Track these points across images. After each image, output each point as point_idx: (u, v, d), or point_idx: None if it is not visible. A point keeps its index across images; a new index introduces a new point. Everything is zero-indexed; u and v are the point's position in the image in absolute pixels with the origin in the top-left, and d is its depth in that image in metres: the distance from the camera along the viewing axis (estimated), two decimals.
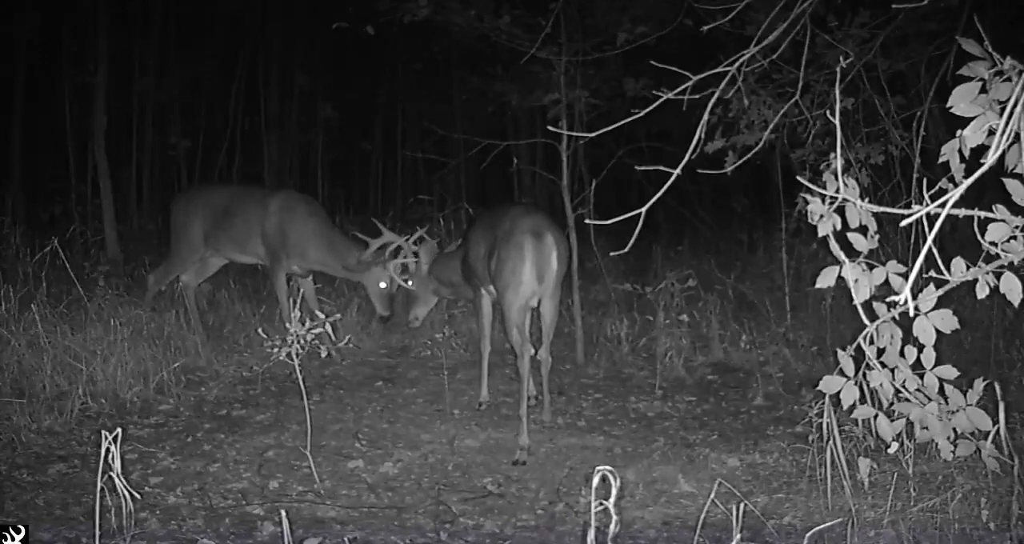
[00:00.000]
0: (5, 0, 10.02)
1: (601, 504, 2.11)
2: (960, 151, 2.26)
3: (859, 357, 2.64)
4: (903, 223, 2.05)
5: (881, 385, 2.62)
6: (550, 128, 3.90)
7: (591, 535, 2.14)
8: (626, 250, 3.00)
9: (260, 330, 5.27)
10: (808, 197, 2.48)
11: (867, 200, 2.47)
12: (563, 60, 6.13)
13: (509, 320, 4.47)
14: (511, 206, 5.02)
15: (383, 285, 5.80)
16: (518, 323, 4.49)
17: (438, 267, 5.49)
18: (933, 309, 2.41)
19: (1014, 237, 2.21)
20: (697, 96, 3.03)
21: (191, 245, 6.21)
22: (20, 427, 4.33)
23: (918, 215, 2.02)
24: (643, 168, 2.97)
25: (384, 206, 11.33)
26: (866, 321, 2.43)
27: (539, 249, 4.36)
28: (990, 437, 2.87)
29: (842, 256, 2.45)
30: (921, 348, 2.53)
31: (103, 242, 8.79)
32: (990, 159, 1.96)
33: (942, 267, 2.26)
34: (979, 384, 2.74)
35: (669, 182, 2.69)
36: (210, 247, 6.24)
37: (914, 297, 2.16)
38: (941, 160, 2.33)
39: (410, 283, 5.67)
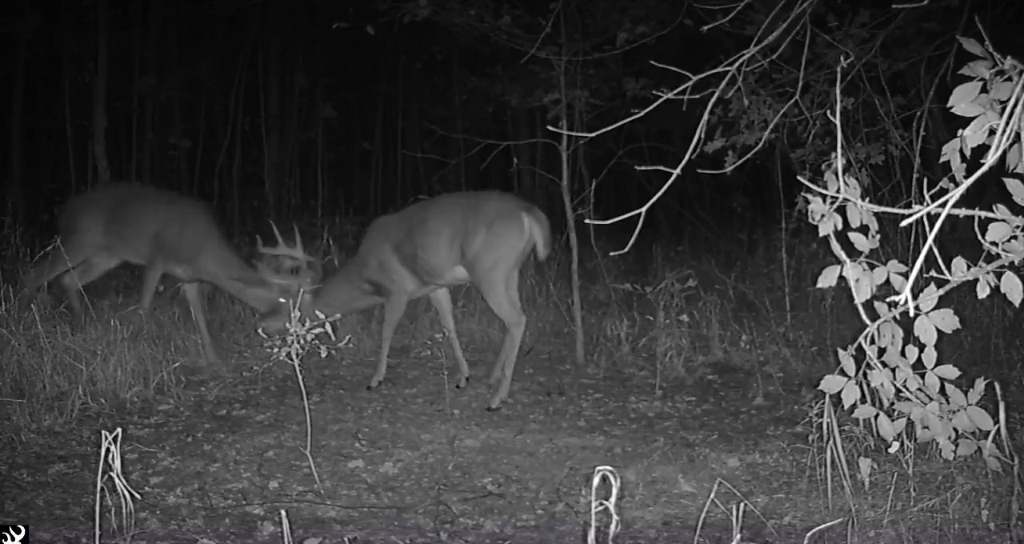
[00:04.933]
0: (5, 0, 10.02)
1: (601, 504, 2.11)
2: (961, 151, 2.26)
3: (860, 357, 2.64)
4: (904, 223, 2.05)
5: (882, 385, 2.62)
6: (550, 128, 3.90)
7: (591, 535, 2.14)
8: (626, 250, 3.00)
9: (260, 330, 5.28)
10: (809, 197, 2.49)
11: (867, 200, 2.47)
12: (563, 60, 6.13)
13: (499, 294, 5.00)
14: (458, 196, 5.83)
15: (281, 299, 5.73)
16: (510, 296, 5.13)
17: (329, 291, 5.57)
18: (934, 309, 2.41)
19: (1015, 237, 2.21)
20: (697, 96, 3.03)
21: (80, 246, 5.96)
22: (20, 427, 4.33)
23: (919, 215, 2.02)
24: (643, 168, 2.97)
25: (384, 206, 11.32)
26: (867, 321, 2.43)
27: (534, 222, 5.03)
28: (991, 437, 2.87)
29: (843, 256, 2.45)
30: (922, 348, 2.53)
31: None
32: (990, 159, 1.96)
33: (943, 267, 2.26)
34: (980, 384, 2.74)
35: (669, 182, 2.69)
36: (104, 249, 6.06)
37: (915, 297, 2.15)
38: (941, 160, 2.33)
39: (284, 300, 5.60)
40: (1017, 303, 2.26)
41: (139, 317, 5.66)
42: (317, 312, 5.44)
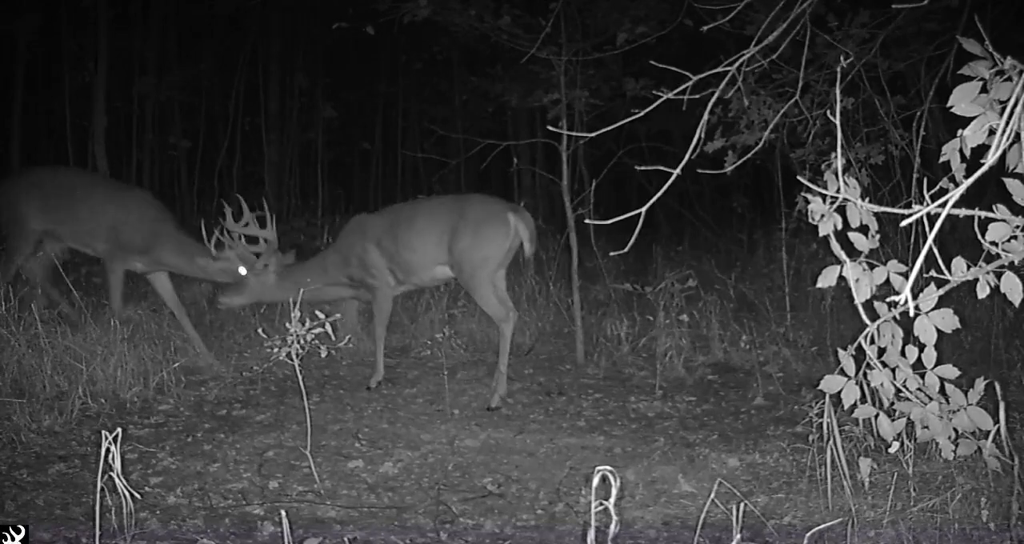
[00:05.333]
0: (5, 0, 10.02)
1: (601, 504, 2.11)
2: (960, 151, 2.26)
3: (860, 357, 2.64)
4: (903, 223, 2.05)
5: (882, 384, 2.62)
6: (550, 128, 3.90)
7: (591, 535, 2.14)
8: (626, 250, 3.00)
9: (260, 330, 5.28)
10: (809, 197, 2.49)
11: (867, 200, 2.47)
12: (563, 60, 6.13)
13: (486, 292, 5.16)
14: (443, 198, 6.02)
15: (243, 271, 5.67)
16: (498, 293, 5.27)
17: (299, 277, 5.57)
18: (934, 309, 2.41)
19: (1014, 237, 2.21)
20: (697, 96, 3.03)
21: (23, 230, 5.83)
22: (20, 427, 4.33)
23: (919, 215, 2.02)
24: (643, 168, 2.97)
25: (384, 206, 11.31)
26: (867, 321, 2.43)
27: (520, 222, 5.16)
28: (991, 437, 2.87)
29: (843, 256, 2.45)
30: (922, 348, 2.53)
31: None
32: (990, 159, 1.96)
33: (943, 267, 2.26)
34: (980, 383, 2.74)
35: (669, 182, 2.69)
36: (47, 235, 5.89)
37: (915, 297, 2.16)
38: (941, 160, 2.33)
39: (250, 273, 5.61)
40: (1017, 303, 2.26)
41: (139, 317, 5.67)
42: (279, 292, 5.64)
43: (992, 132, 2.07)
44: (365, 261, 5.52)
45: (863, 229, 2.48)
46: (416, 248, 5.34)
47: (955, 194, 1.99)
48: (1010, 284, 2.25)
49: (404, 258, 5.39)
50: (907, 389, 2.63)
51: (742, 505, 2.50)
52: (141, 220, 5.85)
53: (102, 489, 2.59)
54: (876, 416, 2.81)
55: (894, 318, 2.50)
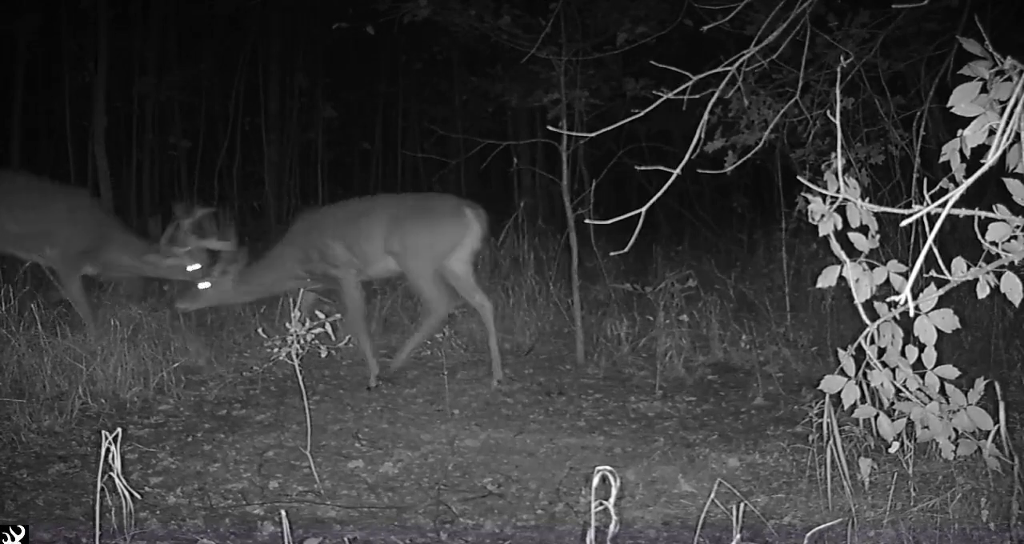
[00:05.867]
0: (5, 0, 10.02)
1: (601, 504, 2.11)
2: (960, 151, 2.26)
3: (860, 357, 2.64)
4: (903, 223, 2.05)
5: (882, 385, 2.62)
6: (550, 128, 3.91)
7: (591, 535, 2.14)
8: (626, 250, 3.00)
9: (260, 330, 5.28)
10: (809, 197, 2.49)
11: (867, 200, 2.47)
12: (563, 60, 6.13)
13: (429, 284, 5.41)
14: (400, 194, 6.58)
15: (192, 268, 5.70)
16: (439, 286, 5.48)
17: (253, 278, 5.69)
18: (934, 309, 2.41)
19: (1014, 237, 2.21)
20: (697, 96, 3.03)
21: None
22: (20, 427, 4.33)
23: (918, 215, 2.02)
24: (643, 168, 2.97)
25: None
26: (867, 321, 2.43)
27: (477, 217, 5.43)
28: (991, 437, 2.87)
29: (843, 256, 2.45)
30: (922, 348, 2.53)
31: None
32: (990, 159, 1.96)
33: (943, 267, 2.26)
34: (980, 383, 2.74)
35: (669, 182, 2.69)
36: None
37: (915, 297, 2.16)
38: (941, 160, 2.33)
39: (208, 283, 5.62)
40: (1017, 303, 2.26)
41: (138, 317, 5.66)
42: (237, 296, 5.76)
43: (992, 132, 2.07)
44: (326, 254, 5.59)
45: (863, 229, 2.48)
46: (373, 238, 5.52)
47: (955, 194, 1.99)
48: (1010, 284, 2.25)
49: (363, 248, 5.55)
50: (907, 389, 2.63)
51: (742, 505, 2.50)
52: (85, 221, 5.78)
53: (102, 489, 2.59)
54: (876, 416, 2.81)
55: (894, 318, 2.50)
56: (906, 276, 2.30)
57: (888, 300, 2.34)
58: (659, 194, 2.67)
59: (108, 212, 6.01)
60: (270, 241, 6.78)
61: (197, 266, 5.71)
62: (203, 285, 5.60)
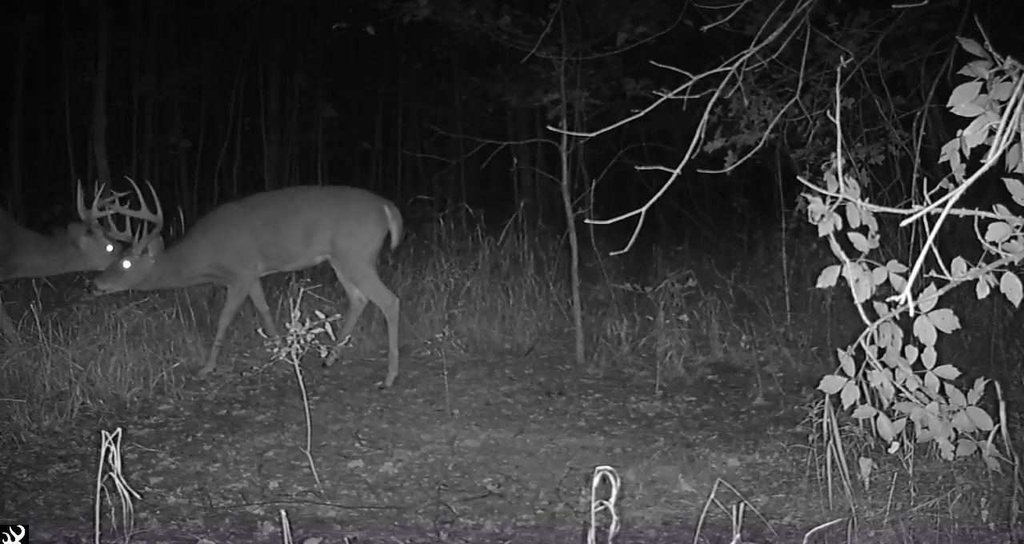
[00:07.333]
0: (5, 0, 10.02)
1: (601, 504, 2.11)
2: (960, 151, 2.26)
3: (860, 357, 2.64)
4: (903, 223, 2.05)
5: (882, 385, 2.62)
6: (550, 128, 3.91)
7: (591, 535, 2.14)
8: (626, 250, 3.00)
9: (260, 330, 5.28)
10: (809, 197, 2.49)
11: (867, 200, 2.47)
12: (563, 60, 6.13)
13: (373, 279, 5.55)
14: (316, 188, 6.81)
15: (109, 248, 5.62)
16: (378, 278, 5.63)
17: (169, 261, 5.61)
18: (934, 309, 2.41)
19: (1014, 237, 2.21)
20: (697, 96, 3.03)
21: None
22: (20, 427, 4.33)
23: (918, 215, 2.02)
24: (643, 168, 2.97)
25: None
26: (867, 321, 2.43)
27: (393, 214, 5.62)
28: (991, 437, 2.87)
29: (843, 256, 2.45)
30: (922, 348, 2.53)
31: None
32: (990, 159, 1.96)
33: (942, 267, 2.26)
34: (980, 384, 2.74)
35: (669, 182, 2.69)
36: None
37: (915, 297, 2.16)
38: (941, 160, 2.33)
39: (129, 262, 5.46)
40: (1017, 303, 2.26)
41: (138, 316, 5.66)
42: (156, 281, 5.64)
43: (992, 132, 2.07)
44: (240, 250, 5.62)
45: (863, 229, 2.48)
46: (297, 238, 5.59)
47: (955, 194, 1.99)
48: (1010, 284, 2.25)
49: (284, 246, 5.63)
50: (907, 389, 2.63)
51: (742, 505, 2.49)
52: None
53: (102, 489, 2.59)
54: (876, 416, 2.81)
55: (894, 318, 2.50)
56: (906, 276, 2.30)
57: (888, 300, 2.34)
58: (659, 194, 2.67)
59: (8, 215, 5.85)
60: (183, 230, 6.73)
61: (111, 248, 5.60)
62: (125, 264, 5.45)
